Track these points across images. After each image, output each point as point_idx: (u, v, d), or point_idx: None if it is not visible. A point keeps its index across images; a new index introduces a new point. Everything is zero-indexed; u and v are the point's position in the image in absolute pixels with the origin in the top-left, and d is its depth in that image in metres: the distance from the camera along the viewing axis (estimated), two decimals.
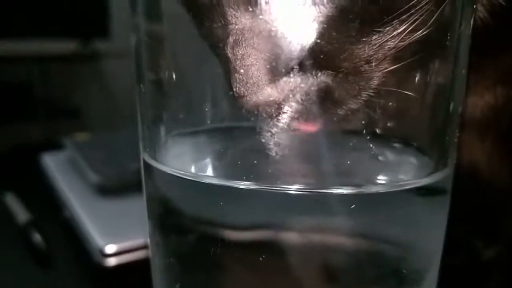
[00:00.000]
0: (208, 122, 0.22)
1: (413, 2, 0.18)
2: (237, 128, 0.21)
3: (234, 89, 0.19)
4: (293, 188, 0.18)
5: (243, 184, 0.19)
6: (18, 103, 1.41)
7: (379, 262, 0.21)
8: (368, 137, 0.20)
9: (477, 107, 0.32)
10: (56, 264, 0.42)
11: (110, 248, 0.40)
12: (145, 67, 0.22)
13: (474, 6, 0.21)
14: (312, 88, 0.18)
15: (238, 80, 0.19)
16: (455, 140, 0.22)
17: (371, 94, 0.19)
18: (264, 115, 0.19)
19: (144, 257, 0.40)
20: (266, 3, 0.18)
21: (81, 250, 0.43)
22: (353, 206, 0.18)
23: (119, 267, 0.40)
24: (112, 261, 0.40)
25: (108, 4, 1.51)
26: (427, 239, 0.21)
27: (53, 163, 0.61)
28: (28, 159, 0.66)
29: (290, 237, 0.19)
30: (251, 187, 0.19)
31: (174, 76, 0.21)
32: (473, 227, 0.40)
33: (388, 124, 0.20)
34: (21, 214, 0.49)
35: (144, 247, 0.40)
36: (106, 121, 1.47)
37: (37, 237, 0.44)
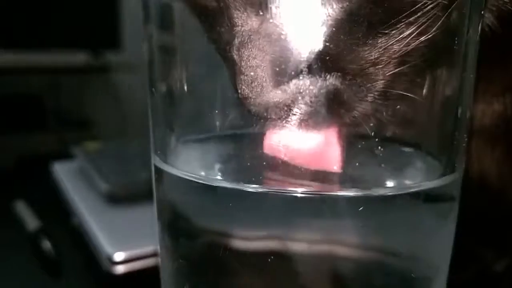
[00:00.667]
0: (217, 128, 0.22)
1: (419, 6, 0.18)
2: (245, 134, 0.21)
3: (239, 91, 0.19)
4: (301, 191, 0.18)
5: (252, 187, 0.19)
6: (29, 113, 1.42)
7: (386, 269, 0.21)
8: (375, 140, 0.20)
9: (486, 116, 0.32)
10: (65, 271, 0.42)
11: (118, 256, 0.40)
12: (156, 77, 0.22)
13: (482, 12, 0.21)
14: (318, 90, 0.18)
15: (243, 81, 0.19)
16: (463, 145, 0.22)
17: (378, 97, 0.19)
18: (269, 116, 0.19)
19: (152, 265, 0.40)
20: (272, 5, 0.18)
21: (90, 257, 0.43)
22: (360, 208, 0.18)
23: (127, 275, 0.40)
24: (120, 269, 0.40)
25: (119, 16, 1.53)
26: (434, 245, 0.21)
27: (63, 172, 0.61)
28: (39, 168, 0.67)
29: (299, 241, 0.20)
30: (260, 190, 0.19)
31: (185, 86, 0.22)
32: (483, 238, 0.40)
33: (395, 128, 0.20)
34: (31, 221, 0.49)
35: (153, 255, 0.40)
36: (116, 131, 1.48)
37: (46, 244, 0.44)
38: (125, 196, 0.51)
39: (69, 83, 1.50)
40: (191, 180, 0.20)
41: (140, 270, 0.40)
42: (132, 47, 1.47)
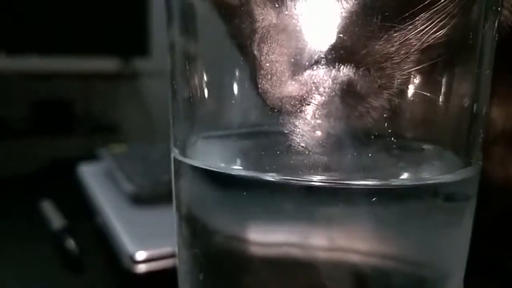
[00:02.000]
0: (237, 126, 0.22)
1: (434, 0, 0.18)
2: (264, 131, 0.21)
3: (259, 85, 0.19)
4: (319, 180, 0.18)
5: (269, 176, 0.19)
6: (60, 118, 1.45)
7: (399, 269, 0.20)
8: (390, 134, 0.20)
9: (510, 118, 0.31)
10: (88, 269, 0.43)
11: (140, 255, 0.40)
12: (178, 81, 0.23)
13: (499, 8, 0.20)
14: (336, 83, 0.18)
15: (262, 76, 0.19)
16: (480, 140, 0.21)
17: (395, 92, 0.19)
18: (288, 109, 0.19)
19: (173, 264, 0.40)
20: (290, 0, 0.18)
21: (112, 256, 0.43)
22: (373, 198, 0.18)
23: (148, 274, 0.40)
24: (142, 268, 0.40)
25: (148, 25, 1.55)
26: (448, 242, 0.21)
27: (89, 173, 0.62)
28: (67, 170, 0.68)
29: (316, 232, 0.19)
30: (277, 178, 0.19)
31: (204, 86, 0.22)
32: (509, 245, 0.39)
33: (411, 122, 0.20)
34: (57, 220, 0.50)
35: (174, 255, 0.40)
36: (143, 136, 1.50)
37: (70, 243, 0.45)
38: (149, 197, 0.52)
39: (99, 88, 1.53)
40: (210, 170, 0.20)
41: (161, 270, 0.40)
42: (160, 54, 1.49)
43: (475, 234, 0.36)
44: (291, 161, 0.19)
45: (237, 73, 0.21)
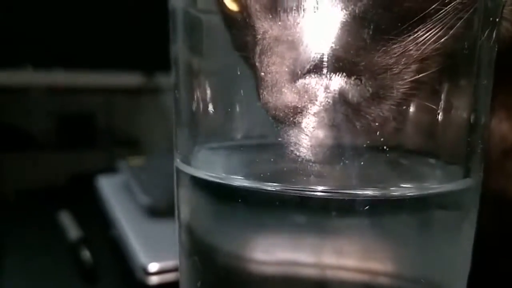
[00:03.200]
0: (237, 137, 0.23)
1: (430, 13, 0.18)
2: (266, 143, 0.21)
3: (260, 96, 0.19)
4: (318, 190, 0.19)
5: (269, 186, 0.19)
6: (82, 131, 1.47)
7: (400, 278, 0.20)
8: (389, 144, 0.20)
9: None
10: (102, 280, 0.43)
11: (153, 266, 0.40)
12: (181, 93, 0.23)
13: (497, 19, 0.20)
14: (336, 94, 0.18)
15: (264, 86, 0.19)
16: (479, 151, 0.21)
17: (394, 103, 0.19)
18: (289, 120, 0.19)
19: None
20: (290, 14, 0.18)
21: (127, 267, 0.43)
22: (366, 207, 0.18)
23: (161, 286, 0.40)
24: (154, 279, 0.40)
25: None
26: (447, 255, 0.20)
27: (107, 185, 0.63)
28: (87, 182, 0.69)
29: (316, 240, 0.19)
30: (277, 188, 0.19)
31: (206, 103, 0.22)
32: None
33: (410, 132, 0.20)
34: (73, 231, 0.50)
35: None
36: (164, 150, 1.51)
37: (85, 253, 0.46)
38: (164, 209, 0.52)
39: (122, 103, 1.55)
40: (205, 179, 0.20)
41: (174, 282, 0.40)
42: None
43: (492, 250, 0.36)
44: (291, 171, 0.19)
45: (238, 86, 0.21)
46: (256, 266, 0.20)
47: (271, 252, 0.20)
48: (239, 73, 0.21)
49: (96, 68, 1.39)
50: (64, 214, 0.55)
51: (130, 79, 1.48)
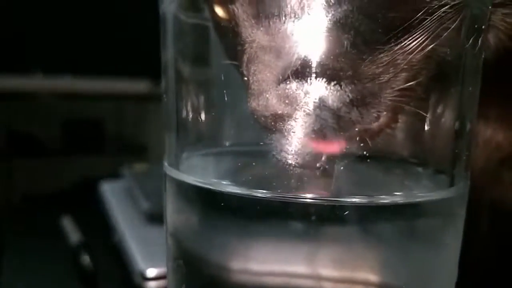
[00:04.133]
0: (224, 144, 0.23)
1: (415, 23, 0.18)
2: (253, 149, 0.22)
3: (248, 103, 0.19)
4: (308, 197, 0.19)
5: (260, 193, 0.19)
6: (90, 137, 1.49)
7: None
8: (374, 152, 0.20)
9: None
10: (101, 285, 0.43)
11: (151, 272, 0.40)
12: (170, 98, 0.23)
13: (483, 27, 0.20)
14: (322, 103, 0.19)
15: (250, 94, 0.19)
16: (464, 159, 0.21)
17: (380, 111, 0.19)
18: (276, 127, 0.19)
19: None
20: (277, 23, 0.19)
21: (126, 273, 0.44)
22: (346, 212, 0.18)
23: None
24: (152, 285, 0.40)
25: None
26: (432, 263, 0.20)
27: (110, 191, 0.63)
28: (92, 187, 0.69)
29: (302, 247, 0.20)
30: (267, 195, 0.19)
31: (193, 110, 0.23)
32: None
33: (395, 140, 0.20)
34: (74, 235, 0.51)
35: None
36: None
37: (85, 258, 0.46)
38: None
39: (130, 109, 1.56)
40: (194, 185, 0.21)
41: None
42: None
43: (490, 262, 0.35)
44: (276, 178, 0.19)
45: (224, 94, 0.22)
46: (238, 272, 0.20)
47: (254, 258, 0.20)
48: (225, 80, 0.21)
49: (105, 75, 1.40)
50: (66, 219, 0.56)
51: (139, 86, 1.49)
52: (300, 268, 0.19)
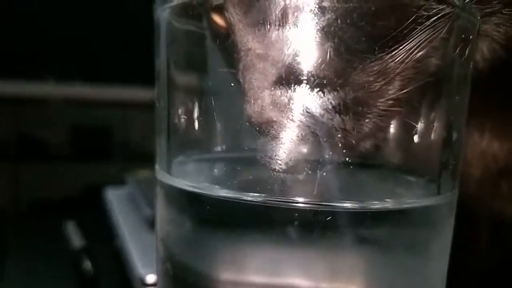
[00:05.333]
0: (218, 150, 0.23)
1: (403, 33, 0.18)
2: (244, 156, 0.22)
3: (245, 111, 0.20)
4: (298, 202, 0.19)
5: (251, 196, 0.19)
6: (98, 144, 1.50)
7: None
8: (364, 159, 0.20)
9: None
10: None
11: (150, 278, 0.41)
12: (161, 103, 0.24)
13: (471, 37, 0.20)
14: (315, 110, 0.19)
15: (246, 101, 0.20)
16: (451, 168, 0.21)
17: (371, 120, 0.19)
18: (271, 134, 0.19)
19: None
20: (272, 32, 0.19)
21: (125, 278, 0.44)
22: (328, 218, 0.18)
23: None
24: None
25: None
26: (417, 272, 0.21)
27: (114, 196, 0.64)
28: (97, 193, 0.70)
29: (292, 251, 0.20)
30: (258, 199, 0.19)
31: (184, 116, 0.23)
32: None
33: (385, 148, 0.20)
34: (77, 240, 0.51)
35: None
36: None
37: (87, 263, 0.46)
38: None
39: (138, 117, 1.57)
40: (179, 188, 0.21)
41: None
42: None
43: (491, 274, 0.35)
44: (273, 186, 0.19)
45: (216, 102, 0.22)
46: (224, 277, 0.21)
47: (241, 263, 0.20)
48: (217, 87, 0.22)
49: (113, 82, 1.41)
50: (70, 224, 0.56)
51: (147, 93, 1.49)
52: (288, 272, 0.20)
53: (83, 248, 0.49)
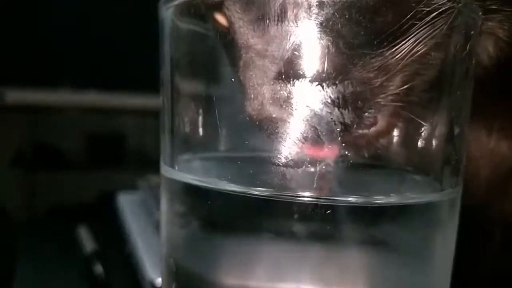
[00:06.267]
0: (221, 147, 0.23)
1: (403, 29, 0.18)
2: (246, 156, 0.22)
3: (246, 108, 0.20)
4: (303, 196, 0.19)
5: (257, 191, 0.19)
6: (113, 151, 1.51)
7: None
8: (367, 155, 0.20)
9: None
10: None
11: (160, 282, 0.41)
12: (165, 106, 0.24)
13: (472, 32, 0.20)
14: (316, 106, 0.19)
15: (247, 99, 0.20)
16: (453, 163, 0.21)
17: (370, 115, 0.19)
18: (272, 131, 0.19)
19: None
20: (271, 30, 0.19)
21: (136, 282, 0.44)
22: (328, 211, 0.18)
23: None
24: None
25: None
26: (418, 268, 0.20)
27: (126, 202, 0.64)
28: (111, 198, 0.70)
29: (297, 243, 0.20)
30: (264, 194, 0.19)
31: (186, 119, 0.23)
32: None
33: (387, 144, 0.20)
34: (89, 245, 0.52)
35: None
36: None
37: (98, 267, 0.46)
38: None
39: (152, 124, 1.59)
40: (177, 180, 0.22)
41: None
42: None
43: (505, 275, 0.34)
44: (277, 180, 0.19)
45: (219, 103, 0.22)
46: (224, 271, 0.21)
47: (239, 257, 0.20)
48: (219, 89, 0.22)
49: (129, 90, 1.42)
50: (82, 229, 0.57)
51: (160, 101, 1.50)
52: (292, 265, 0.20)
53: (95, 253, 0.49)
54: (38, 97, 1.35)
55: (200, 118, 0.23)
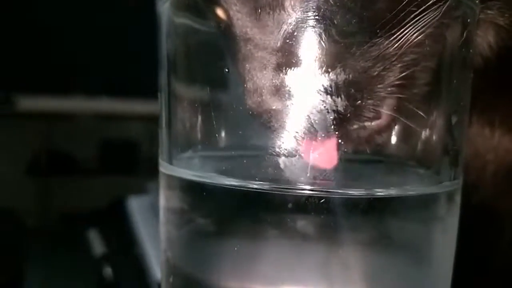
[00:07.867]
0: (218, 145, 0.23)
1: (397, 18, 0.18)
2: (244, 152, 0.22)
3: (245, 100, 0.20)
4: (304, 189, 0.19)
5: (256, 184, 0.19)
6: (125, 158, 1.52)
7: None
8: (366, 147, 0.20)
9: None
10: None
11: None
12: (164, 107, 0.24)
13: (469, 20, 0.20)
14: (316, 98, 0.19)
15: (246, 92, 0.20)
16: (451, 153, 0.21)
17: (370, 107, 0.19)
18: (272, 124, 0.19)
19: None
20: (269, 21, 0.19)
21: (144, 283, 0.44)
22: (323, 201, 0.18)
23: None
24: None
25: None
26: (419, 260, 0.20)
27: (137, 206, 0.64)
28: (119, 203, 0.71)
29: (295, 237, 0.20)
30: (263, 188, 0.19)
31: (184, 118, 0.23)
32: None
33: (386, 136, 0.20)
34: (98, 248, 0.52)
35: None
36: None
37: (107, 270, 0.47)
38: None
39: None
40: (171, 175, 0.22)
41: None
42: None
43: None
44: (276, 174, 0.19)
45: (215, 95, 0.22)
46: (219, 266, 0.21)
47: (239, 252, 0.20)
48: (215, 81, 0.22)
49: (141, 97, 1.43)
50: (93, 233, 0.57)
51: None
52: (292, 258, 0.20)
53: (105, 256, 0.50)
54: (51, 104, 1.37)
55: (198, 114, 0.23)
